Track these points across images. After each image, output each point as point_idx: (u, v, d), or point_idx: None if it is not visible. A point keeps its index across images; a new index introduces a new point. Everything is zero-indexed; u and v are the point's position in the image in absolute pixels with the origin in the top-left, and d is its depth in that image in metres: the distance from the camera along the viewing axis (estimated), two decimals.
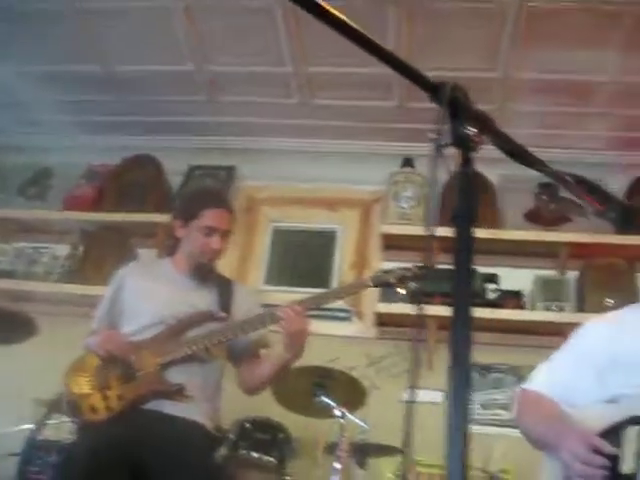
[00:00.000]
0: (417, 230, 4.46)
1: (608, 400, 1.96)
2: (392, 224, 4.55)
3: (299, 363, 3.56)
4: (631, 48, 3.94)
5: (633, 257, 4.25)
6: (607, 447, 1.77)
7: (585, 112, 4.51)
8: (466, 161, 1.11)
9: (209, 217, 2.96)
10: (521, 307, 4.40)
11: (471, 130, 1.11)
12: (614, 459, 1.75)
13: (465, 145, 1.11)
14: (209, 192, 3.29)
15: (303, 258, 5.05)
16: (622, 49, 3.96)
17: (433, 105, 1.15)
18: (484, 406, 4.39)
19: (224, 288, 3.04)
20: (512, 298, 4.38)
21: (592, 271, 4.42)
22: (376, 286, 3.15)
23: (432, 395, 4.40)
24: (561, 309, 4.31)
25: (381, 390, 4.26)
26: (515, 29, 3.88)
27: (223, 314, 2.89)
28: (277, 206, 5.13)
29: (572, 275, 4.57)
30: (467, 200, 1.09)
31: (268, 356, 3.06)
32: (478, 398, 4.43)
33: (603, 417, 1.89)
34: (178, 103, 4.88)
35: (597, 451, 1.77)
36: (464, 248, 1.06)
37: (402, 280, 3.07)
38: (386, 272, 3.12)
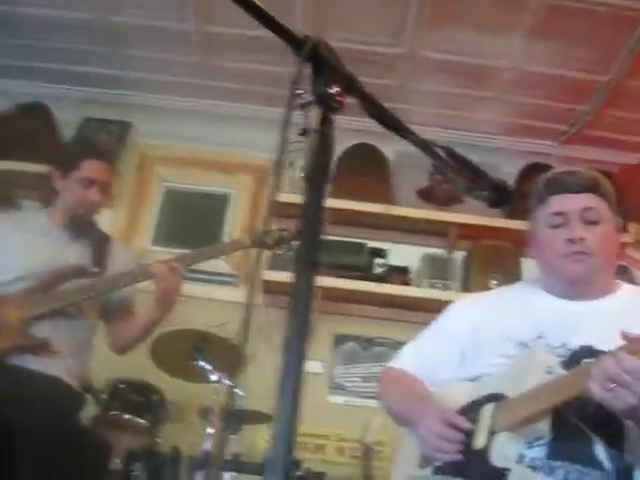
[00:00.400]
0: None
1: (470, 379, 1.99)
2: (284, 192, 4.49)
3: (179, 326, 3.51)
4: (535, 36, 3.97)
5: (519, 241, 4.32)
6: (463, 423, 1.79)
7: (485, 96, 4.56)
8: (325, 120, 1.06)
9: (88, 168, 2.86)
10: (407, 283, 4.44)
11: (334, 89, 1.07)
12: (469, 435, 1.78)
13: (326, 104, 1.06)
14: (90, 143, 3.17)
15: (194, 220, 4.97)
16: (526, 37, 3.99)
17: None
18: (365, 379, 4.43)
19: (100, 243, 2.95)
20: (398, 274, 4.43)
21: (479, 252, 4.51)
22: (254, 246, 3.10)
23: (313, 366, 4.45)
24: (446, 287, 4.37)
25: (265, 358, 4.25)
26: (422, 6, 3.85)
27: (95, 269, 2.80)
28: (171, 166, 5.01)
29: (460, 255, 4.66)
30: (321, 161, 1.05)
31: (138, 313, 3.00)
32: (359, 371, 4.47)
33: (463, 395, 1.92)
34: (76, 52, 4.66)
35: (453, 427, 1.79)
36: (313, 210, 1.02)
37: (280, 241, 3.05)
38: (265, 233, 3.09)
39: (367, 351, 4.52)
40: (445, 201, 4.58)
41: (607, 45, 3.98)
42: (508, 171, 4.66)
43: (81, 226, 2.92)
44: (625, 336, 1.55)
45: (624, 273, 4.50)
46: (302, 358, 0.97)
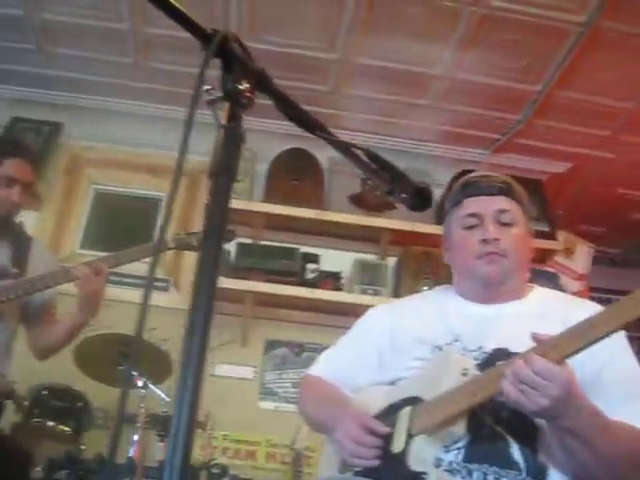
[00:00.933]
0: (242, 204, 4.41)
1: (388, 383, 1.98)
2: None
3: (105, 330, 3.44)
4: (466, 46, 4.03)
5: None
6: (379, 427, 1.78)
7: (418, 103, 4.59)
8: (234, 117, 1.04)
9: (9, 167, 2.78)
10: (339, 289, 4.44)
11: (244, 85, 1.05)
12: (387, 439, 1.77)
13: (235, 100, 1.04)
14: (14, 142, 3.08)
15: (124, 224, 4.88)
16: (459, 46, 4.04)
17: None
18: (295, 385, 4.41)
19: (21, 244, 2.87)
20: (330, 279, 4.42)
21: (410, 258, 4.54)
22: (178, 248, 3.07)
23: (244, 371, 4.41)
24: (377, 293, 4.39)
25: None
26: (356, 13, 3.86)
27: (15, 270, 2.72)
28: (102, 168, 4.91)
29: (391, 261, 4.68)
30: (228, 158, 1.03)
31: (62, 317, 2.92)
32: (290, 377, 4.45)
33: (381, 399, 1.91)
34: (5, 50, 4.55)
35: (370, 431, 1.78)
36: (219, 208, 0.99)
37: None
38: (189, 234, 3.05)
39: (298, 357, 4.50)
40: (377, 207, 4.59)
41: (538, 56, 4.06)
42: (439, 178, 4.71)
43: (1, 226, 2.84)
44: (535, 338, 1.56)
45: (552, 280, 4.58)
46: (203, 358, 0.95)
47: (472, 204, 2.05)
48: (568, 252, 4.91)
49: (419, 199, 1.63)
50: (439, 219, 4.51)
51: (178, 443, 0.89)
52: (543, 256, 4.70)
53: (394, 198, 1.60)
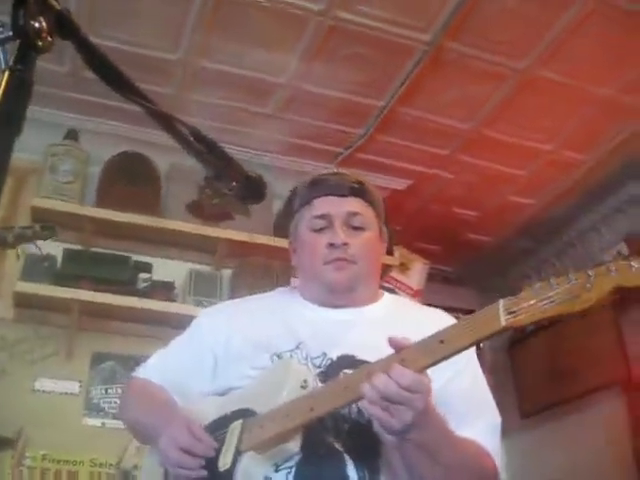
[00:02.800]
0: (72, 207, 4.16)
1: (222, 393, 1.83)
2: (45, 198, 4.18)
3: None
4: (312, 57, 3.99)
5: (290, 260, 4.29)
6: (208, 439, 1.62)
7: (261, 112, 4.50)
8: (23, 59, 0.88)
9: None
10: (172, 299, 4.25)
11: (40, 24, 0.89)
12: (215, 455, 1.61)
13: (26, 39, 0.88)
14: None
15: None
16: (303, 56, 3.99)
17: None
18: None
19: None
20: (163, 289, 4.23)
21: (247, 269, 4.42)
22: None
23: (69, 386, 4.12)
24: (212, 305, 4.22)
25: (12, 376, 3.90)
26: (202, 13, 3.72)
27: None
28: None
29: (227, 273, 4.54)
30: (13, 107, 0.86)
31: None
32: (118, 392, 4.19)
33: (212, 411, 1.75)
34: None
35: (200, 440, 1.61)
36: None
37: (21, 239, 2.78)
38: (5, 229, 2.81)
39: (128, 370, 4.25)
40: (214, 216, 4.44)
41: (383, 71, 4.08)
42: (280, 190, 4.60)
43: None
44: (393, 342, 1.44)
45: None
46: None
47: (322, 204, 1.93)
48: (403, 268, 4.96)
49: (251, 189, 1.52)
50: (278, 230, 4.42)
51: None
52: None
53: (222, 185, 1.48)
